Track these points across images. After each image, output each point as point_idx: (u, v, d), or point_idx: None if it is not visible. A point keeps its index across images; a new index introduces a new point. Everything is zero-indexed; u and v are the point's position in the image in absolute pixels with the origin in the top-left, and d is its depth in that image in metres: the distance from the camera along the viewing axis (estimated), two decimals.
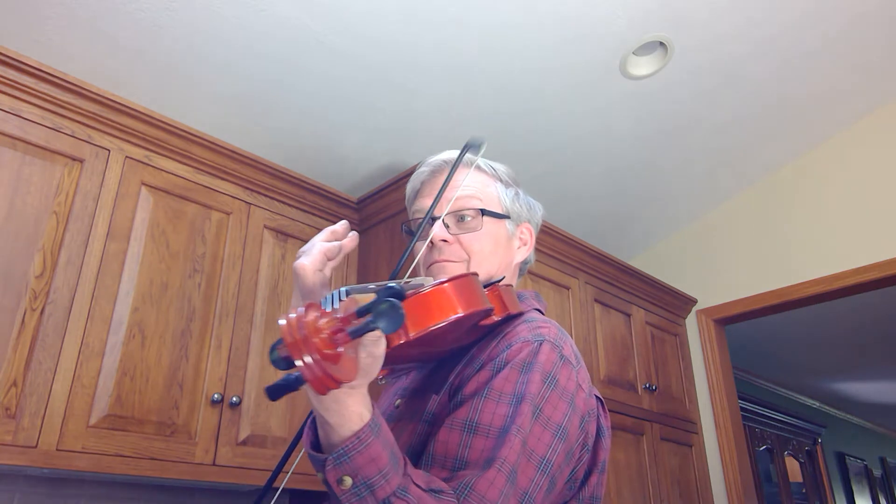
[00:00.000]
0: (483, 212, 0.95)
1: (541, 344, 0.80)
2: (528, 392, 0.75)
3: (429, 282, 0.87)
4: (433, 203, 0.91)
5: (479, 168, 0.99)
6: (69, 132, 1.71)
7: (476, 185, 0.97)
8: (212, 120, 2.17)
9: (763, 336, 4.55)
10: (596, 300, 2.71)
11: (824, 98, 2.69)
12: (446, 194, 0.95)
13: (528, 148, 2.64)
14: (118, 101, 1.77)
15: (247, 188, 2.05)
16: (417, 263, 0.96)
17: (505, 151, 2.62)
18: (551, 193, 2.92)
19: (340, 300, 0.59)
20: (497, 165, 1.02)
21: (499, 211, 0.98)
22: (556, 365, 0.79)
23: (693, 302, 3.21)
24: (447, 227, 0.95)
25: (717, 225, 3.25)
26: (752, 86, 2.53)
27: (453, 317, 0.69)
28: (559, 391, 0.78)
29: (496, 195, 0.99)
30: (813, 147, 2.98)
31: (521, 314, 0.87)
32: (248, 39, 1.97)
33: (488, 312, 0.79)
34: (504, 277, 0.97)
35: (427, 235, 0.94)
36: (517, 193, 1.03)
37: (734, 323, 3.20)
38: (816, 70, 2.51)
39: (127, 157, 1.81)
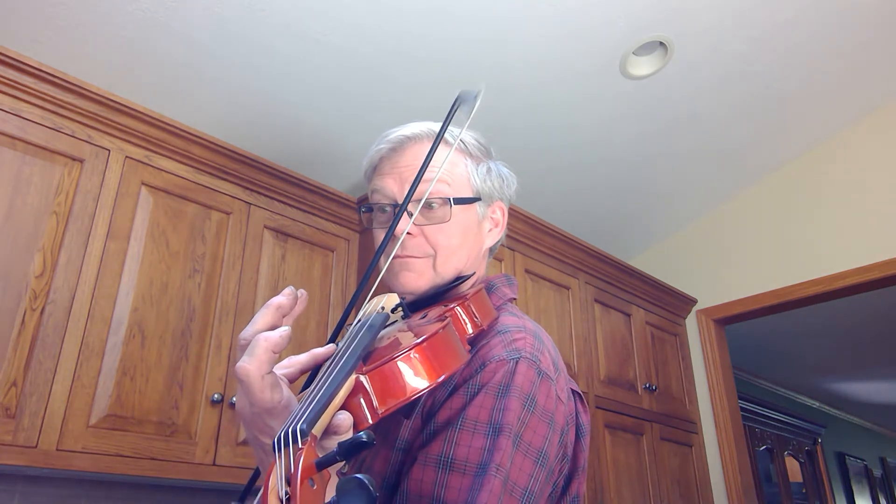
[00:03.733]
0: (451, 200, 0.86)
1: (517, 363, 0.73)
2: (506, 422, 0.69)
3: (393, 302, 0.77)
4: (408, 194, 0.80)
5: (446, 143, 0.88)
6: (69, 132, 1.71)
7: (444, 167, 0.87)
8: (212, 120, 2.17)
9: (763, 336, 4.55)
10: (596, 300, 2.71)
11: (825, 98, 2.69)
12: (409, 176, 0.86)
13: (527, 146, 2.64)
14: (118, 101, 1.77)
15: (247, 188, 2.05)
16: (378, 255, 0.88)
17: (504, 149, 2.61)
18: (551, 192, 2.92)
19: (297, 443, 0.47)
20: (466, 137, 0.91)
21: (468, 194, 0.89)
22: (535, 384, 0.73)
23: (693, 302, 3.20)
24: (411, 215, 0.84)
25: (717, 225, 3.25)
26: (751, 86, 2.53)
27: (428, 386, 0.58)
28: (539, 413, 0.73)
29: (466, 175, 0.89)
30: (813, 147, 2.98)
31: (494, 320, 0.81)
32: (248, 39, 1.97)
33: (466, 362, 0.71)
34: (474, 274, 0.90)
35: (388, 222, 0.86)
36: (489, 169, 0.93)
37: (734, 323, 3.20)
38: (816, 70, 2.51)
39: (127, 157, 1.81)
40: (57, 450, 1.50)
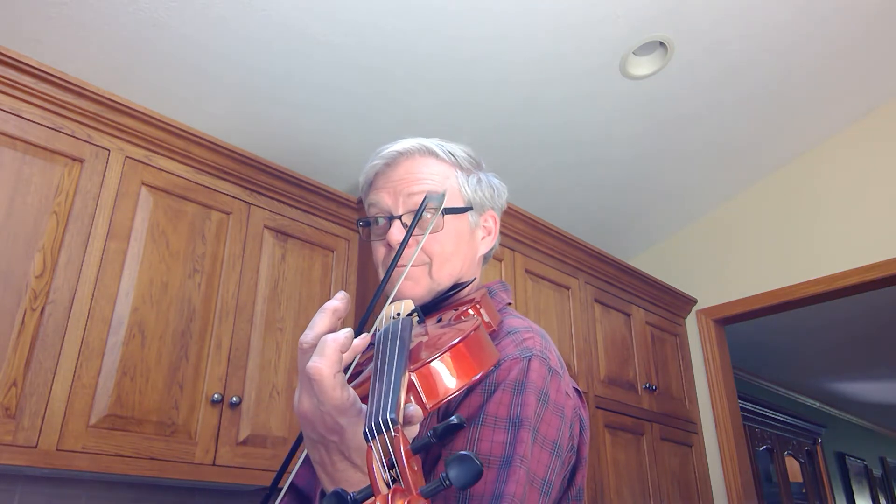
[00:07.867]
0: (443, 210, 0.89)
1: (529, 360, 0.78)
2: (525, 416, 0.73)
3: (409, 308, 0.81)
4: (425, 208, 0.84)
5: (437, 157, 0.93)
6: (69, 132, 1.71)
7: (435, 179, 0.91)
8: (212, 120, 2.17)
9: (763, 336, 4.55)
10: (596, 300, 2.71)
11: (825, 97, 2.69)
12: (403, 188, 0.90)
13: (527, 145, 2.64)
14: (118, 101, 1.77)
15: (247, 188, 2.05)
16: (377, 266, 0.93)
17: (504, 148, 2.62)
18: (551, 192, 2.92)
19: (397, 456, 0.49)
20: (455, 150, 0.96)
21: (460, 204, 0.93)
22: (547, 380, 0.78)
23: (693, 302, 3.20)
24: (406, 226, 0.89)
25: (717, 225, 3.25)
26: (750, 87, 2.53)
27: (468, 382, 0.62)
28: (552, 407, 0.77)
29: (457, 186, 0.93)
30: (813, 147, 2.98)
31: (500, 322, 0.85)
32: (249, 39, 1.97)
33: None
34: (475, 280, 0.94)
35: (384, 234, 0.90)
36: (479, 179, 0.96)
37: (734, 323, 3.20)
38: (816, 70, 2.51)
39: (127, 157, 1.81)
40: (57, 450, 1.50)
